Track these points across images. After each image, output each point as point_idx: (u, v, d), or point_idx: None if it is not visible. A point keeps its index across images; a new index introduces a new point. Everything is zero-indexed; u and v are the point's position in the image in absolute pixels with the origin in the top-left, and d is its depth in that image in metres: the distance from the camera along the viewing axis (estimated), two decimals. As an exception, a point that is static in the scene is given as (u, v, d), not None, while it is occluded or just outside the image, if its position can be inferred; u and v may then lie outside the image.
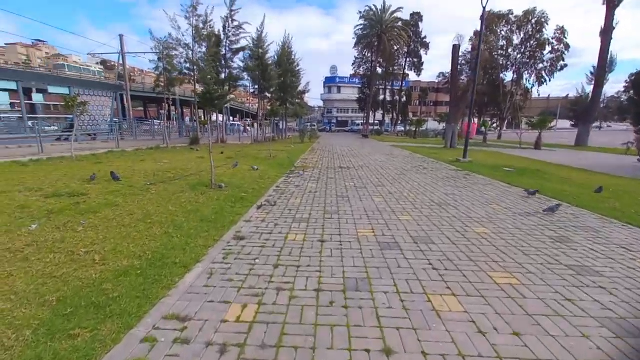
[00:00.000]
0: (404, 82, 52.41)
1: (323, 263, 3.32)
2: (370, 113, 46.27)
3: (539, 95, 43.38)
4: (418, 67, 50.80)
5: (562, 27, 33.83)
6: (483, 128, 31.10)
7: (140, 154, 12.02)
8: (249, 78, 21.03)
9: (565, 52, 34.62)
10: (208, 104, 6.55)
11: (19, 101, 13.86)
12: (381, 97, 53.83)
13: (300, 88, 27.83)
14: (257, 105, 26.73)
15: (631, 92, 18.72)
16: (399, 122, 53.51)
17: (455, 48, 21.52)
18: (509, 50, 37.55)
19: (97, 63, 79.84)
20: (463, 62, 33.84)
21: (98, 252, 3.33)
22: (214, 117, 25.90)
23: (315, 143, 24.56)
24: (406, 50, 47.09)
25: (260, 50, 20.05)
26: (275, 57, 20.78)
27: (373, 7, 40.29)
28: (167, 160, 10.26)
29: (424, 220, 4.83)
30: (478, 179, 8.65)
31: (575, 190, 7.26)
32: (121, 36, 24.94)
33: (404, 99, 53.21)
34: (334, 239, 4.02)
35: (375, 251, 3.64)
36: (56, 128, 17.80)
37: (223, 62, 18.70)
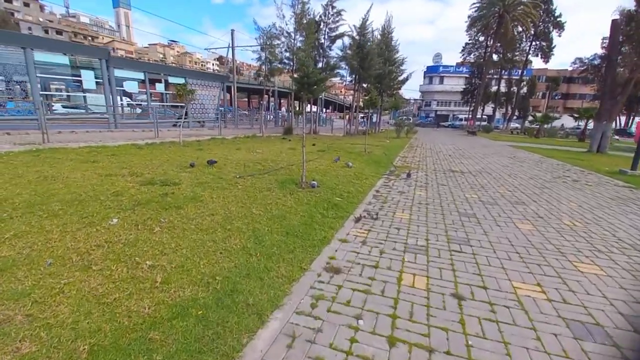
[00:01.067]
0: (524, 70, 43.93)
1: (474, 352, 1.94)
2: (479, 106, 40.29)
3: None
4: (546, 53, 41.89)
5: None
6: None
7: (237, 142, 12.23)
8: (347, 67, 20.02)
9: None
10: (305, 89, 5.93)
11: (144, 90, 15.93)
12: (493, 87, 46.47)
13: (401, 77, 25.52)
14: (350, 97, 25.59)
15: None
16: (515, 117, 45.18)
17: (616, 24, 16.32)
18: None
19: (215, 59, 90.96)
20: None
21: (163, 268, 2.66)
22: (307, 108, 25.98)
23: (413, 139, 22.27)
24: (532, 32, 39.14)
25: (363, 38, 18.80)
26: (371, 43, 19.16)
27: (495, -18, 34.28)
28: (260, 150, 10.01)
29: (627, 279, 2.93)
30: (678, 206, 5.75)
31: None
32: (232, 31, 26.86)
33: (524, 90, 44.43)
34: (478, 296, 2.56)
35: (567, 341, 2.06)
36: (178, 115, 20.06)
37: (321, 50, 18.14)
